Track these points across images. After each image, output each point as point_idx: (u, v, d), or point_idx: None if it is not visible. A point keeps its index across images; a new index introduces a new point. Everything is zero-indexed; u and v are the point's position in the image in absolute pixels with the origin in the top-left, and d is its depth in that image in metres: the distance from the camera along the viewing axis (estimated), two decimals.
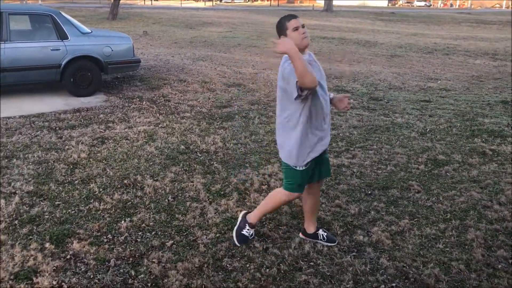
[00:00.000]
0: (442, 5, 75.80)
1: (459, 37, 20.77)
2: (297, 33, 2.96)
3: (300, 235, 3.57)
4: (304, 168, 3.13)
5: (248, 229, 3.45)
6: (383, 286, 3.03)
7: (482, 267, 3.23)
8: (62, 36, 7.52)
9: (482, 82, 10.35)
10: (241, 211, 3.75)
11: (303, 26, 2.98)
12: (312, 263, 3.25)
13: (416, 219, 3.88)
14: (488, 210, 4.07)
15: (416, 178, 4.71)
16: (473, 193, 4.39)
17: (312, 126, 3.05)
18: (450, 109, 7.59)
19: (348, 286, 3.01)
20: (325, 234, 3.51)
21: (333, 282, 3.06)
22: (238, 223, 3.51)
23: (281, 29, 3.03)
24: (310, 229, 3.52)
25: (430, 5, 74.89)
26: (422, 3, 74.80)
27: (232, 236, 3.47)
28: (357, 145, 5.69)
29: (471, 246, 3.49)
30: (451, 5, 75.93)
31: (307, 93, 2.88)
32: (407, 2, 79.16)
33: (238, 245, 3.41)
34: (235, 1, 75.18)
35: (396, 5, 74.46)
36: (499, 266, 3.25)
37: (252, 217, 3.46)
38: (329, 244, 3.46)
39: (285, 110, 3.06)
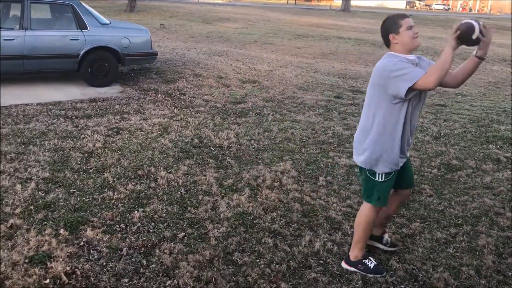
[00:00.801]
0: (461, 9, 75.03)
1: None
2: (410, 32, 2.83)
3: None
4: (383, 179, 3.01)
5: (368, 260, 3.17)
6: (392, 287, 3.04)
7: (492, 274, 3.23)
8: (82, 26, 7.59)
9: (499, 88, 10.25)
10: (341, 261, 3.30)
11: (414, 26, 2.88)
12: (321, 261, 3.26)
13: (427, 223, 3.88)
14: (500, 217, 4.05)
15: (429, 182, 4.70)
16: (485, 200, 4.38)
17: (398, 135, 2.92)
18: (465, 114, 7.54)
19: (357, 286, 3.02)
20: (389, 239, 3.40)
21: (342, 281, 3.07)
22: (357, 270, 3.15)
23: (392, 26, 2.88)
24: (377, 232, 3.42)
25: (449, 8, 74.18)
26: (441, 7, 74.13)
27: (372, 277, 3.13)
28: None
29: (482, 252, 3.48)
30: (470, 9, 75.13)
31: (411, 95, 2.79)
32: (426, 5, 78.47)
33: (381, 275, 3.13)
34: None
35: (414, 8, 73.84)
36: (510, 274, 3.24)
37: (356, 252, 3.19)
38: (392, 249, 3.38)
39: (375, 110, 2.94)
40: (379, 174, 2.99)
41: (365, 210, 3.13)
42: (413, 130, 3.04)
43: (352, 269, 3.18)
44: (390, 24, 2.90)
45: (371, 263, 3.17)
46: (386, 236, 3.41)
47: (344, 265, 3.22)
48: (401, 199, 3.37)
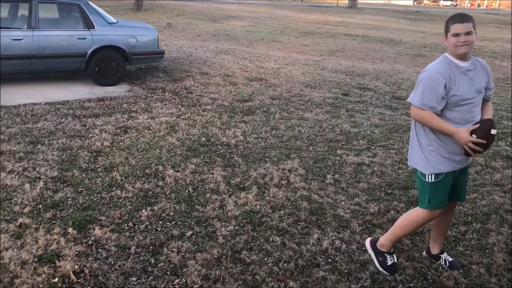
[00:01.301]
0: (469, 5, 74.45)
1: (486, 38, 20.38)
2: (454, 40, 2.76)
3: (424, 253, 3.38)
4: (433, 180, 2.93)
5: (390, 257, 3.13)
6: (401, 286, 3.02)
7: (503, 272, 3.20)
8: (89, 25, 7.61)
9: (508, 84, 10.16)
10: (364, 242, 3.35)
11: (468, 33, 2.74)
12: (330, 260, 3.25)
13: None
14: (510, 215, 4.01)
15: None
16: (495, 197, 4.34)
17: (440, 138, 2.87)
18: None
19: (365, 284, 3.01)
20: (449, 259, 3.25)
21: (350, 279, 3.06)
22: (374, 258, 3.16)
23: (445, 28, 2.84)
24: (434, 250, 3.31)
25: (457, 4, 73.65)
26: (449, 3, 73.62)
27: (380, 272, 3.11)
28: (378, 144, 5.66)
29: (492, 250, 3.45)
30: (479, 5, 74.51)
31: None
32: (433, 1, 77.97)
33: (391, 274, 3.08)
34: None
35: (422, 4, 73.39)
36: None
37: (385, 242, 3.16)
38: (452, 272, 3.17)
39: None
40: (428, 175, 2.93)
41: (416, 213, 3.03)
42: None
43: (371, 253, 3.16)
44: (445, 25, 2.86)
45: (391, 260, 3.12)
46: (443, 256, 3.27)
47: (367, 244, 3.21)
48: (444, 217, 3.19)
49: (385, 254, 3.14)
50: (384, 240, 3.16)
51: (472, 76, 2.85)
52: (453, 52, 2.82)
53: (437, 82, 2.77)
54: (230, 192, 4.16)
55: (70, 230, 3.41)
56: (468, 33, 2.75)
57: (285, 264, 3.16)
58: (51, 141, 5.10)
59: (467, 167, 3.08)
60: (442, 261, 3.25)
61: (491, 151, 5.55)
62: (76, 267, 3.00)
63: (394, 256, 3.18)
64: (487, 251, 3.45)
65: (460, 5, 73.87)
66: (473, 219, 3.92)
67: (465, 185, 3.17)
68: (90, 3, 7.91)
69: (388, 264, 3.12)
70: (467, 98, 2.82)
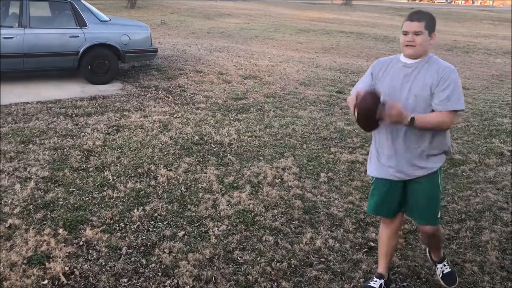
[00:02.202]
0: (463, 1, 74.57)
1: (480, 35, 20.42)
2: (402, 38, 2.57)
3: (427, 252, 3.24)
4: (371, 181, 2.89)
5: (374, 280, 2.91)
6: (393, 285, 3.01)
7: (496, 270, 3.19)
8: (81, 23, 7.55)
9: (502, 81, 10.17)
10: None
11: (416, 33, 2.51)
12: (323, 259, 3.23)
13: None
14: (504, 212, 4.01)
15: None
16: (489, 194, 4.33)
17: (376, 141, 2.80)
18: (468, 108, 7.47)
19: (359, 283, 2.99)
20: (445, 271, 3.01)
21: (343, 279, 3.04)
22: None
23: None
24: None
25: (451, 1, 73.74)
26: (443, 0, 73.65)
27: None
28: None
29: (485, 248, 3.44)
30: (473, 2, 74.63)
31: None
32: None
33: None
34: None
35: (416, 0, 73.43)
36: None
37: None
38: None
39: None
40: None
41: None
42: (400, 145, 2.64)
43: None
44: None
45: (374, 283, 2.89)
46: (439, 265, 3.04)
47: None
48: (421, 230, 3.02)
49: (374, 275, 2.96)
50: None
51: (408, 73, 2.60)
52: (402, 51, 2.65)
53: (368, 70, 2.79)
54: (223, 191, 4.13)
55: (60, 231, 3.37)
56: (417, 33, 2.52)
57: (278, 264, 3.14)
58: (42, 141, 5.05)
59: (424, 180, 2.69)
60: (438, 271, 3.04)
61: (485, 148, 5.55)
62: (66, 268, 2.97)
63: (380, 281, 2.88)
64: (481, 249, 3.44)
65: (454, 1, 73.97)
66: (467, 216, 3.91)
67: (419, 201, 2.75)
68: (82, 1, 7.84)
69: (368, 283, 2.92)
70: (393, 95, 2.58)
